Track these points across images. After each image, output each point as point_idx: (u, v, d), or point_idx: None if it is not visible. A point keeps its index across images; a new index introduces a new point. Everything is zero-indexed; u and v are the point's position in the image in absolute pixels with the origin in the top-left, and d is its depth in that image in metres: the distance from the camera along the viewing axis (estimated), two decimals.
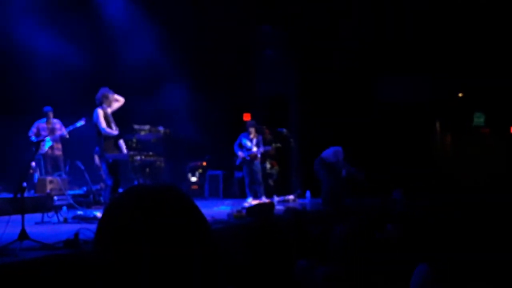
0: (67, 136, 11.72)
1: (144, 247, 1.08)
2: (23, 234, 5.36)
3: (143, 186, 1.23)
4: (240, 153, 11.89)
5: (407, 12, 13.92)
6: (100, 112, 8.40)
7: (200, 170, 14.84)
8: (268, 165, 12.86)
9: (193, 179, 14.75)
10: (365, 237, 3.07)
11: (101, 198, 10.15)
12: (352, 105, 14.55)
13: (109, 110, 8.57)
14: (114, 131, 8.45)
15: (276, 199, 11.62)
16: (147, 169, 9.36)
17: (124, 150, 8.52)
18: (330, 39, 14.11)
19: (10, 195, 9.62)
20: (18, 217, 5.87)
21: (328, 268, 3.09)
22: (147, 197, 1.15)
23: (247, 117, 14.27)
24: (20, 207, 5.98)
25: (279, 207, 9.86)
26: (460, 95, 16.28)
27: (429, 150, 15.38)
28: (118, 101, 8.81)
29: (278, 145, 12.65)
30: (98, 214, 8.27)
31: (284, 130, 12.66)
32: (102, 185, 10.77)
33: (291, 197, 12.32)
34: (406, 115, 14.86)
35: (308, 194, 12.40)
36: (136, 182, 9.69)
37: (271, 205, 9.07)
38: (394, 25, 14.12)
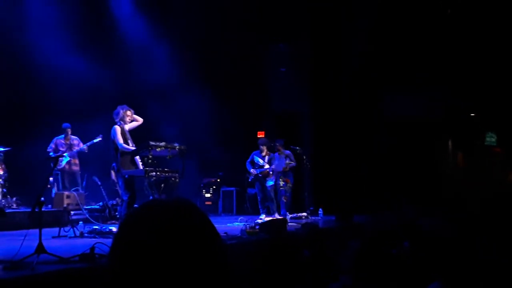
0: (86, 151, 11.86)
1: (158, 262, 1.09)
2: (40, 248, 5.43)
3: (158, 202, 1.25)
4: (253, 170, 11.96)
5: (420, 29, 13.98)
6: (117, 129, 8.53)
7: (214, 187, 14.91)
8: (281, 182, 12.88)
9: (207, 195, 14.82)
10: (379, 254, 3.10)
11: (117, 213, 10.23)
12: (364, 122, 14.57)
13: (126, 127, 8.70)
14: (131, 147, 8.58)
15: (288, 216, 11.63)
16: (162, 185, 9.43)
17: (140, 166, 8.62)
18: (341, 56, 14.20)
19: (29, 209, 9.76)
20: (35, 231, 5.95)
21: (340, 284, 3.13)
22: (162, 212, 1.17)
23: (260, 134, 14.35)
24: (37, 221, 6.04)
25: (291, 224, 9.90)
26: (472, 115, 16.28)
27: (441, 168, 15.33)
28: (137, 120, 8.95)
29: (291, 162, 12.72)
30: (114, 229, 8.35)
31: (298, 148, 12.71)
32: (118, 200, 10.84)
33: (303, 214, 12.33)
34: (419, 133, 14.84)
35: (320, 211, 12.40)
36: (151, 198, 9.78)
37: (283, 221, 9.11)
38: (407, 42, 14.17)
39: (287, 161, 12.10)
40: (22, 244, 5.60)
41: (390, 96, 15.09)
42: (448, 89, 14.86)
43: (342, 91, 14.34)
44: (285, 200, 12.27)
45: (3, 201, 10.48)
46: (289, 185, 12.66)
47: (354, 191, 13.32)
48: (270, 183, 11.90)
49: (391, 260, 3.19)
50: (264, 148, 12.09)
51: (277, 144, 12.20)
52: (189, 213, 1.18)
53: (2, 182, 10.61)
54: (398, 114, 14.95)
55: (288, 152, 12.27)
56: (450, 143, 16.36)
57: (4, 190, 10.74)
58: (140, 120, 9.00)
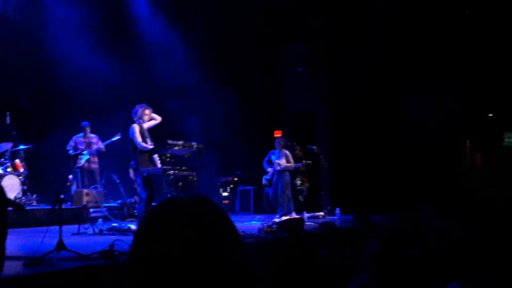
0: (104, 150, 11.97)
1: (177, 259, 1.09)
2: (60, 245, 5.49)
3: (178, 199, 1.23)
4: (270, 169, 11.97)
5: (438, 28, 13.89)
6: (136, 127, 8.58)
7: (232, 186, 14.95)
8: (298, 182, 12.88)
9: (225, 194, 14.87)
10: (398, 254, 3.09)
11: (135, 211, 10.30)
12: (381, 122, 14.51)
13: (145, 126, 8.75)
14: (149, 145, 8.63)
15: (306, 215, 11.62)
16: (180, 183, 9.50)
17: (158, 165, 8.68)
18: (358, 56, 14.14)
19: (49, 207, 9.87)
20: (55, 227, 6.02)
21: (357, 283, 3.13)
22: (182, 209, 1.17)
23: (277, 134, 14.35)
24: (57, 218, 6.11)
25: (309, 223, 9.90)
26: (490, 115, 16.13)
27: (459, 168, 15.22)
28: (155, 119, 8.99)
29: (309, 162, 12.70)
30: (133, 227, 8.42)
31: (315, 147, 12.69)
32: (136, 198, 10.92)
33: (321, 213, 12.31)
34: (437, 133, 14.73)
35: (338, 211, 12.38)
36: (169, 196, 9.84)
37: (301, 220, 9.12)
38: (425, 42, 14.09)
39: (281, 160, 11.95)
40: (42, 240, 5.67)
41: (408, 95, 15.01)
42: (467, 89, 14.74)
43: (360, 91, 14.27)
44: (301, 199, 12.26)
45: (23, 198, 10.60)
46: (306, 184, 12.66)
47: (371, 190, 13.26)
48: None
49: (410, 260, 3.19)
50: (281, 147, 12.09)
51: (278, 141, 12.04)
52: (209, 211, 1.18)
53: (22, 180, 10.73)
54: (415, 114, 14.87)
55: (286, 152, 12.05)
56: (468, 143, 16.23)
57: (25, 187, 10.86)
58: (158, 119, 9.06)
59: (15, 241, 6.02)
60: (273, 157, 11.96)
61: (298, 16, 13.78)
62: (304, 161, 12.58)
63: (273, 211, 12.28)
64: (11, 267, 4.51)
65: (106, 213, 10.27)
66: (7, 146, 10.63)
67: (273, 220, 9.52)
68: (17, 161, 10.85)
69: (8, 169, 10.59)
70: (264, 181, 12.32)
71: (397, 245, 3.09)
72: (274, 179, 11.88)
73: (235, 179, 15.05)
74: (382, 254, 3.03)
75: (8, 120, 10.74)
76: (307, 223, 9.73)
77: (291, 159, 11.90)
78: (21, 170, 10.86)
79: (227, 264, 1.13)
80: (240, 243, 1.19)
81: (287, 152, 11.95)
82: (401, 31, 14.04)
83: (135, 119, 8.72)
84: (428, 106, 15.04)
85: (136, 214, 9.94)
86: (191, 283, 1.09)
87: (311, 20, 13.98)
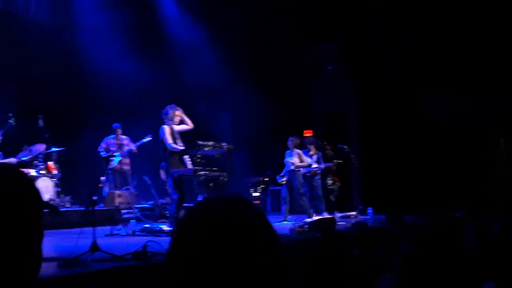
0: (136, 151, 12.07)
1: (215, 260, 1.08)
2: (94, 246, 5.56)
3: (215, 199, 1.22)
4: (301, 169, 11.93)
5: (468, 27, 13.65)
6: (166, 128, 8.61)
7: (262, 186, 14.94)
8: (329, 181, 12.80)
9: (255, 194, 14.86)
10: (431, 255, 3.05)
11: (167, 212, 10.36)
12: (413, 121, 14.32)
13: (175, 128, 8.78)
14: (179, 146, 8.65)
15: (337, 215, 11.55)
16: (211, 184, 9.51)
17: (189, 166, 8.71)
18: (387, 54, 14.00)
19: (81, 208, 10.01)
20: (88, 229, 6.09)
21: (388, 284, 3.10)
22: (219, 210, 1.16)
23: (308, 133, 14.29)
24: (91, 219, 6.18)
25: (340, 223, 9.83)
26: None
27: (492, 167, 14.92)
28: (187, 124, 8.99)
29: (340, 161, 12.63)
30: (164, 227, 8.47)
31: (346, 147, 12.62)
32: (168, 199, 10.99)
33: (353, 213, 12.21)
34: (471, 132, 14.48)
35: (370, 210, 12.27)
36: (200, 197, 9.88)
37: (332, 220, 9.06)
38: (458, 42, 13.86)
39: (294, 159, 11.87)
40: (76, 242, 5.74)
41: (440, 93, 14.79)
42: (500, 89, 14.44)
43: (390, 89, 14.13)
44: (333, 199, 12.19)
45: (57, 200, 10.74)
46: (337, 184, 12.57)
47: (404, 190, 13.10)
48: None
49: (443, 261, 3.13)
50: (312, 147, 12.05)
51: (291, 140, 11.89)
52: (246, 211, 1.17)
53: (56, 182, 10.88)
54: (448, 113, 14.64)
55: (299, 151, 11.94)
56: (502, 141, 15.91)
57: (58, 189, 11.01)
58: (190, 125, 9.03)
59: (49, 243, 6.11)
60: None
61: (328, 14, 13.71)
62: (335, 160, 12.50)
63: (305, 211, 12.23)
64: (47, 268, 4.57)
65: (138, 214, 10.35)
66: (41, 148, 10.77)
67: (304, 220, 9.48)
68: (51, 163, 11.01)
69: (42, 172, 10.76)
70: (279, 179, 12.27)
71: (429, 246, 3.04)
72: (287, 179, 11.87)
73: (266, 179, 15.04)
74: (414, 255, 2.99)
75: (41, 123, 10.88)
76: (339, 223, 9.67)
77: (304, 158, 11.84)
78: (55, 172, 11.01)
79: (265, 267, 1.11)
80: (278, 245, 1.18)
81: (300, 151, 11.88)
82: (432, 29, 13.84)
83: (165, 120, 8.76)
84: (460, 105, 14.79)
85: (167, 215, 9.99)
86: (228, 285, 1.08)
87: (340, 18, 13.90)
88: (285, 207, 11.84)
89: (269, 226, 1.19)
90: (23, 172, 1.46)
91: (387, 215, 10.76)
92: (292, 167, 11.61)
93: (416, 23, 13.76)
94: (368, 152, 14.23)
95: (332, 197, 12.43)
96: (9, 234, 1.31)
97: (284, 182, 12.06)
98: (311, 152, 12.00)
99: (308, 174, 11.87)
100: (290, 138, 11.87)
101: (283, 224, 10.26)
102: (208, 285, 1.08)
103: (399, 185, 13.30)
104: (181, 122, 8.97)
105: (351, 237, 7.94)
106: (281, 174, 12.13)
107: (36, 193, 1.42)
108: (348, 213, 12.09)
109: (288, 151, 11.88)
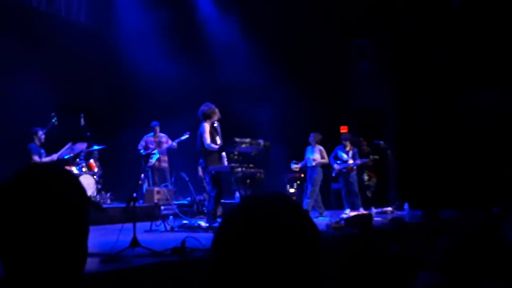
0: (176, 147, 12.21)
1: (259, 257, 1.09)
2: (134, 242, 5.70)
3: (258, 197, 1.21)
4: (336, 165, 11.92)
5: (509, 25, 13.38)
6: (206, 126, 8.67)
7: (298, 182, 14.95)
8: (365, 177, 12.76)
9: (292, 190, 14.88)
10: (470, 251, 3.04)
11: (205, 208, 10.49)
12: (449, 115, 14.10)
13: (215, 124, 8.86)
14: (216, 145, 8.72)
15: (374, 210, 11.50)
16: (248, 181, 9.58)
17: (225, 162, 8.78)
18: (423, 50, 13.82)
19: (122, 205, 10.20)
20: (128, 225, 6.23)
21: (426, 280, 3.10)
22: (264, 208, 1.16)
23: (343, 129, 14.24)
24: (131, 216, 6.30)
25: (377, 219, 9.81)
26: None
27: None
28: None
29: (376, 157, 12.56)
30: (202, 224, 8.57)
31: (382, 142, 12.54)
32: (205, 195, 11.11)
33: (389, 209, 12.14)
34: (507, 125, 14.18)
35: (406, 206, 12.18)
36: (237, 193, 9.98)
37: (369, 216, 9.04)
38: (493, 33, 13.59)
39: (315, 155, 11.83)
40: (117, 238, 5.89)
41: (477, 87, 14.53)
42: None
43: (426, 84, 13.95)
44: (369, 195, 12.14)
45: (98, 196, 10.97)
46: (374, 179, 12.51)
47: (440, 185, 12.95)
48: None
49: (480, 257, 3.12)
50: (348, 143, 12.03)
51: (313, 136, 11.94)
52: (290, 209, 1.18)
53: (97, 179, 11.10)
54: (485, 106, 14.37)
55: (320, 147, 11.98)
56: None
57: (99, 186, 11.24)
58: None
59: (91, 239, 6.21)
60: (340, 153, 11.92)
61: (364, 9, 13.61)
62: (371, 156, 12.45)
63: (340, 207, 12.23)
64: (90, 264, 4.66)
65: (176, 211, 10.48)
66: (82, 146, 10.98)
67: (340, 216, 9.49)
68: (92, 161, 11.25)
69: (83, 169, 10.99)
70: (292, 165, 12.31)
71: (469, 242, 3.03)
72: (308, 174, 11.91)
73: (302, 175, 15.04)
74: (453, 251, 2.98)
75: (82, 121, 11.13)
76: (375, 218, 9.64)
77: (325, 155, 11.90)
78: (96, 170, 11.24)
79: (306, 264, 1.13)
80: (319, 242, 1.18)
81: (321, 147, 11.94)
82: (469, 23, 13.60)
83: (204, 117, 8.82)
84: (498, 97, 14.50)
85: (205, 211, 10.12)
86: (272, 281, 1.09)
87: (377, 14, 13.78)
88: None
89: (311, 223, 1.20)
90: (70, 171, 1.55)
91: (423, 211, 10.68)
92: (314, 163, 11.66)
93: (452, 19, 13.55)
94: (404, 147, 14.09)
95: (368, 193, 12.39)
96: (58, 230, 1.39)
97: (296, 169, 12.14)
98: (347, 148, 11.98)
99: (344, 170, 11.85)
100: (311, 134, 11.96)
101: (319, 220, 10.28)
102: (252, 280, 1.09)
103: (435, 180, 13.14)
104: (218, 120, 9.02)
105: (388, 233, 7.91)
106: (297, 166, 12.17)
107: (83, 190, 1.50)
108: (384, 209, 12.04)
109: (309, 147, 11.92)
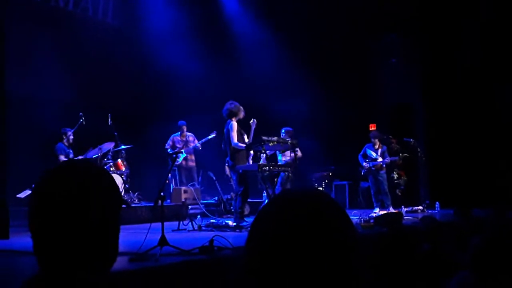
0: (200, 148, 12.24)
1: (294, 254, 1.06)
2: (163, 241, 5.67)
3: (295, 192, 1.18)
4: (365, 164, 11.79)
5: None
6: (234, 124, 8.63)
7: (326, 181, 14.85)
8: (395, 175, 12.59)
9: (320, 189, 14.79)
10: (502, 250, 2.95)
11: (232, 207, 10.47)
12: (480, 112, 13.81)
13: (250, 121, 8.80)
14: (243, 144, 8.66)
15: (404, 209, 11.34)
16: (276, 179, 9.54)
17: (251, 161, 8.73)
18: (453, 46, 13.57)
19: (149, 204, 10.23)
20: (156, 224, 6.21)
21: (459, 280, 3.02)
22: (300, 204, 1.12)
23: (372, 127, 14.09)
24: (159, 215, 6.29)
25: (407, 218, 9.66)
26: None
27: None
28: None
29: (406, 155, 12.40)
30: (230, 223, 8.53)
31: (411, 140, 12.36)
32: (232, 194, 11.08)
33: (419, 207, 11.96)
34: None
35: (437, 205, 11.99)
36: (264, 192, 9.93)
37: (399, 215, 8.90)
38: None
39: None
40: (145, 237, 5.87)
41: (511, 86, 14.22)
42: None
43: (457, 80, 13.69)
44: (399, 193, 11.98)
45: (125, 196, 11.00)
46: (404, 178, 12.34)
47: (472, 183, 12.70)
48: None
49: None
50: (376, 141, 11.89)
51: None
52: (327, 204, 1.14)
53: (124, 178, 11.14)
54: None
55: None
56: None
57: (127, 185, 11.29)
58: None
59: (120, 238, 6.25)
60: (368, 151, 11.80)
61: (393, 4, 13.43)
62: (401, 154, 12.27)
63: (369, 206, 12.10)
64: (118, 262, 4.65)
65: (203, 210, 10.49)
66: (110, 146, 11.05)
67: (370, 215, 9.37)
68: (119, 160, 11.29)
69: (111, 169, 11.03)
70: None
71: (502, 241, 2.95)
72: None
73: (330, 174, 14.94)
74: (484, 250, 2.90)
75: (110, 121, 11.20)
76: (405, 217, 9.49)
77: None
78: (123, 169, 11.28)
79: (344, 262, 1.09)
80: (357, 241, 1.15)
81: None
82: (502, 17, 13.31)
83: (229, 115, 8.77)
84: None
85: (232, 210, 10.09)
86: (307, 280, 1.06)
87: (406, 10, 13.58)
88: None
89: (350, 221, 1.16)
90: (106, 170, 1.53)
91: (455, 209, 10.48)
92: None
93: (484, 13, 13.28)
94: (434, 145, 13.87)
95: (398, 192, 12.22)
96: (95, 226, 1.38)
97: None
98: (376, 146, 11.83)
99: (373, 169, 11.71)
100: None
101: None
102: (287, 279, 1.06)
103: (467, 178, 12.89)
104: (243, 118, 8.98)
105: (419, 232, 7.77)
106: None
107: (117, 189, 1.48)
108: (415, 208, 11.86)
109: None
